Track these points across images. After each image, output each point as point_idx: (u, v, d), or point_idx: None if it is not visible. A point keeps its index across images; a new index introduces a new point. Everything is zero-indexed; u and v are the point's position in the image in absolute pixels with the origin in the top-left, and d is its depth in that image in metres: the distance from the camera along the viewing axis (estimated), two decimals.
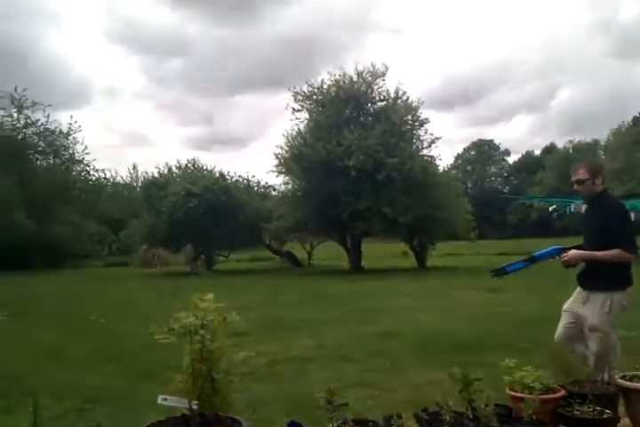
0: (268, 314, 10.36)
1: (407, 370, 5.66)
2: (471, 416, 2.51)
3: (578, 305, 3.82)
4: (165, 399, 2.11)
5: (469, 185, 64.14)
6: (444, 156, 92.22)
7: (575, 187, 3.89)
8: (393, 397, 4.67)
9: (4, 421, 2.25)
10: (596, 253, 3.65)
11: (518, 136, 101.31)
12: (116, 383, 5.64)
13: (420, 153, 23.27)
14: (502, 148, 71.77)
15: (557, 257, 3.91)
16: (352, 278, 18.90)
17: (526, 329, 7.46)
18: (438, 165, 25.85)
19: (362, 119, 23.27)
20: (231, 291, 14.69)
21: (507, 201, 53.70)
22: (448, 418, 2.47)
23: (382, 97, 23.49)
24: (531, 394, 2.61)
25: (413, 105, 23.21)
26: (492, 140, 72.10)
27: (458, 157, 70.83)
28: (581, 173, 3.83)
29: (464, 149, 71.69)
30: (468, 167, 70.57)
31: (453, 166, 66.49)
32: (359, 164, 20.36)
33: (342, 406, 2.46)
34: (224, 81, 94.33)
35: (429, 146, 23.62)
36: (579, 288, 3.89)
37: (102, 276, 24.15)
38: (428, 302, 11.23)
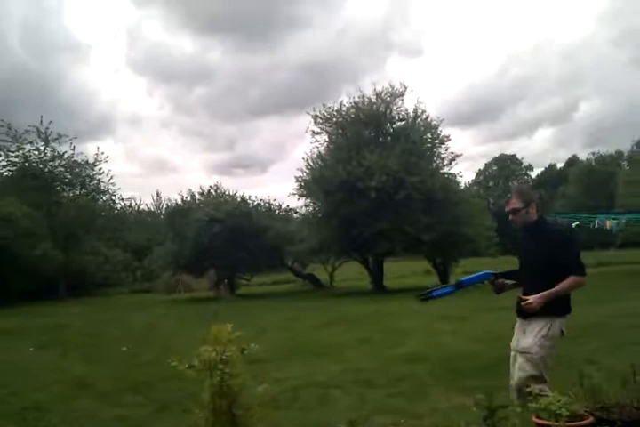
0: (290, 338, 10.31)
1: (432, 395, 5.56)
2: None
3: (520, 337, 3.67)
4: None
5: (492, 201, 63.54)
6: (466, 172, 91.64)
7: (510, 217, 3.80)
8: (418, 424, 4.58)
9: None
10: (556, 290, 3.51)
11: (540, 150, 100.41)
12: (136, 414, 5.65)
13: (441, 171, 23.28)
14: (525, 162, 71.19)
15: (487, 282, 3.84)
16: (375, 299, 18.74)
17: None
18: (459, 182, 25.78)
19: (381, 139, 23.41)
20: (254, 315, 14.69)
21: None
22: None
23: (401, 116, 23.63)
24: (557, 422, 2.54)
25: (433, 123, 23.30)
26: (514, 155, 71.55)
27: (479, 172, 70.41)
28: (514, 203, 3.75)
29: (486, 165, 71.25)
30: (491, 183, 70.02)
31: (475, 182, 66.04)
32: (380, 184, 20.38)
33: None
34: (245, 106, 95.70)
35: (450, 163, 23.65)
36: (518, 321, 3.74)
37: (127, 303, 24.31)
38: (453, 323, 11.05)
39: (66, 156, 31.73)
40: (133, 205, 46.22)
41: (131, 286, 35.24)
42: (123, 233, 37.01)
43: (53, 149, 31.47)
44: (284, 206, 28.81)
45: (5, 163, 31.78)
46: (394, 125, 23.76)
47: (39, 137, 30.92)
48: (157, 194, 51.52)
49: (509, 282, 3.84)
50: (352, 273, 28.70)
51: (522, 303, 3.55)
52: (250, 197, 27.67)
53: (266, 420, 4.33)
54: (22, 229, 26.54)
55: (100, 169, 32.60)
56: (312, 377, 6.84)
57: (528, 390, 3.04)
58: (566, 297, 3.62)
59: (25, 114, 46.33)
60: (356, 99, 23.50)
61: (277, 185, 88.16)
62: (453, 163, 23.69)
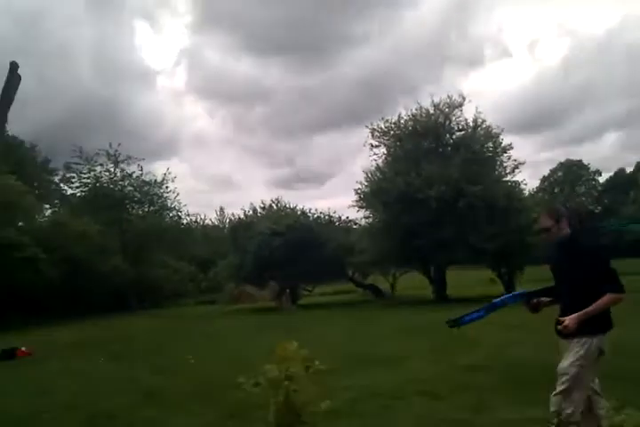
0: (353, 348, 10.29)
1: (498, 407, 5.41)
2: None
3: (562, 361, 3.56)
4: None
5: None
6: (530, 179, 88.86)
7: (543, 235, 3.74)
8: None
9: None
10: (592, 309, 3.38)
11: (608, 154, 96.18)
12: (202, 423, 5.78)
13: (504, 179, 22.84)
14: (592, 167, 68.51)
15: (519, 302, 3.70)
16: (437, 308, 18.42)
17: (630, 360, 6.97)
18: (523, 190, 25.14)
19: (441, 150, 23.27)
20: (316, 326, 14.76)
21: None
22: None
23: (461, 127, 23.48)
24: None
25: (493, 132, 22.98)
26: (580, 161, 69.07)
27: (544, 179, 68.31)
28: (544, 222, 3.69)
29: (551, 171, 69.05)
30: (556, 189, 67.78)
31: (539, 189, 64.05)
32: (440, 194, 20.19)
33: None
34: (304, 123, 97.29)
35: (512, 171, 23.17)
36: (560, 341, 3.61)
37: (194, 315, 24.97)
38: (520, 333, 10.73)
39: (135, 176, 33.30)
40: (199, 220, 47.73)
41: (196, 297, 36.22)
42: (189, 247, 38.22)
43: (123, 170, 33.13)
44: (343, 218, 29.01)
45: (78, 184, 33.63)
46: (453, 136, 23.59)
47: (109, 159, 32.62)
48: (221, 209, 53.14)
49: (545, 299, 3.73)
50: (414, 282, 28.38)
51: (558, 326, 3.46)
52: (310, 209, 28.16)
53: None
54: (95, 245, 27.87)
55: (167, 187, 33.94)
56: (374, 388, 6.80)
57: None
58: (605, 313, 3.48)
59: (96, 138, 49.01)
60: (414, 111, 23.67)
61: (337, 198, 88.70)
62: (516, 171, 23.21)
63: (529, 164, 74.82)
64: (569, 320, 3.40)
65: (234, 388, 6.67)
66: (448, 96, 23.26)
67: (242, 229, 27.39)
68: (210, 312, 25.33)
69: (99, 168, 32.94)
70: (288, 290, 27.61)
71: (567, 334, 3.44)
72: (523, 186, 24.77)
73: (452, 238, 20.20)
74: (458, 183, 20.44)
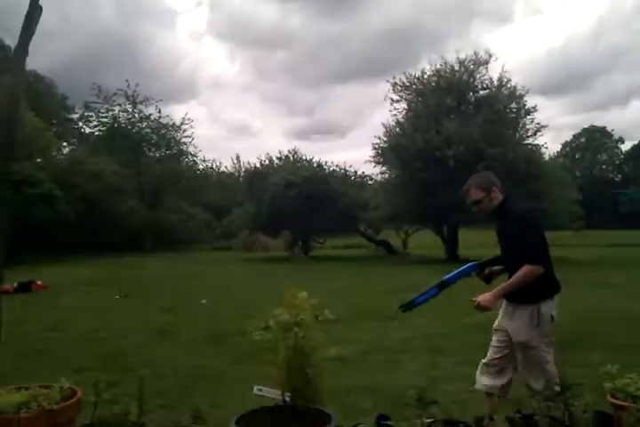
0: (361, 302, 10.45)
1: None
2: (567, 423, 2.44)
3: (508, 322, 3.45)
4: (260, 390, 2.23)
5: (578, 174, 60.49)
6: (551, 143, 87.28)
7: (474, 209, 3.56)
8: None
9: (112, 393, 2.49)
10: (509, 283, 3.26)
11: (633, 122, 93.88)
12: (214, 364, 5.95)
13: (525, 142, 22.41)
14: (616, 135, 67.10)
15: (473, 274, 3.57)
16: (448, 268, 18.50)
17: (635, 329, 7.03)
18: (544, 154, 24.67)
19: (463, 108, 22.72)
20: (327, 277, 14.96)
21: (614, 196, 49.22)
22: (543, 423, 2.41)
23: (485, 85, 22.80)
24: (634, 403, 2.48)
25: (518, 93, 22.29)
26: (604, 128, 67.55)
27: (566, 144, 67.14)
28: (474, 194, 3.51)
29: (573, 137, 67.77)
30: (577, 155, 66.71)
31: (560, 154, 63.05)
32: (459, 154, 19.93)
33: (432, 404, 2.46)
34: (325, 73, 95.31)
35: (534, 134, 22.65)
36: (504, 303, 3.50)
37: (207, 259, 25.39)
38: None
39: (152, 118, 33.05)
40: (214, 167, 47.69)
41: (211, 243, 36.71)
42: (204, 193, 38.37)
43: (140, 111, 32.88)
44: (359, 173, 28.86)
45: (96, 123, 33.55)
46: (476, 94, 22.96)
47: (127, 99, 32.31)
48: (237, 157, 52.74)
49: (497, 268, 3.60)
50: (426, 241, 28.46)
51: (475, 306, 3.34)
52: (326, 162, 27.94)
53: (336, 379, 4.49)
54: (111, 186, 28.08)
55: (184, 132, 33.76)
56: (381, 341, 6.94)
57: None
58: (549, 277, 3.35)
59: (114, 77, 48.46)
60: (438, 66, 22.94)
61: (354, 152, 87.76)
62: (538, 134, 22.69)
63: (551, 127, 73.36)
64: (482, 299, 3.30)
65: (245, 331, 6.87)
66: (474, 53, 22.57)
67: (257, 178, 27.41)
68: (223, 258, 25.74)
69: (117, 108, 32.81)
70: (300, 241, 27.91)
71: (514, 298, 3.35)
72: (543, 150, 24.34)
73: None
74: (477, 144, 20.12)
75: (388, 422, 2.45)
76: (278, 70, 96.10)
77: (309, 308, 2.19)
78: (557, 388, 2.77)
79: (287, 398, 2.13)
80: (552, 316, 3.34)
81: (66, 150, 35.80)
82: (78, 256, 24.31)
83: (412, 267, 19.78)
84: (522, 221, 3.37)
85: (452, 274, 3.53)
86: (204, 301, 10.89)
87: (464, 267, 3.58)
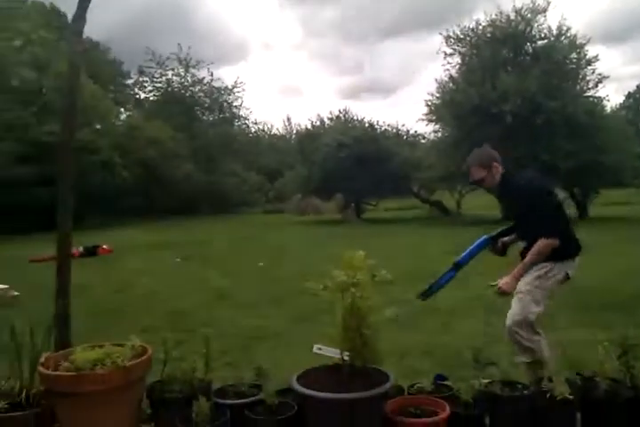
0: (414, 264, 10.43)
1: (561, 328, 5.42)
2: (629, 385, 2.40)
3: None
4: (320, 349, 2.30)
5: None
6: (613, 94, 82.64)
7: (479, 186, 3.47)
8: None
9: (178, 352, 2.63)
10: (524, 265, 3.24)
11: None
12: (272, 324, 6.14)
13: (585, 94, 21.34)
14: None
15: (488, 249, 3.48)
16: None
17: None
18: (605, 107, 23.46)
19: (519, 60, 21.74)
20: (381, 239, 14.98)
21: None
22: (604, 385, 2.39)
23: (543, 35, 21.66)
24: None
25: (578, 42, 21.11)
26: None
27: (629, 95, 63.48)
28: (475, 172, 3.37)
29: (637, 88, 63.95)
30: None
31: (623, 107, 59.78)
32: (516, 108, 19.22)
33: (490, 364, 2.47)
34: (375, 28, 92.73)
35: (596, 86, 21.52)
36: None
37: (261, 222, 25.83)
38: (586, 256, 10.52)
39: (205, 81, 33.16)
40: (266, 129, 47.83)
41: (264, 206, 37.25)
42: (256, 157, 38.70)
43: (193, 75, 33.03)
44: (411, 132, 28.31)
45: (151, 88, 33.98)
46: (534, 45, 21.87)
47: (180, 63, 32.47)
48: (288, 119, 52.81)
49: (507, 239, 3.53)
50: (480, 201, 27.92)
51: (495, 290, 3.34)
52: (377, 122, 27.45)
53: (391, 340, 4.56)
54: (168, 150, 28.66)
55: (236, 95, 33.80)
56: (436, 302, 6.91)
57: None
58: (568, 239, 3.24)
59: (165, 40, 48.59)
60: (493, 16, 21.92)
61: (406, 109, 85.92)
62: (600, 85, 21.53)
63: (612, 78, 69.30)
64: (503, 284, 3.30)
65: (301, 293, 7.03)
66: (531, 0, 21.41)
67: (308, 139, 27.34)
68: (276, 222, 26.10)
69: (170, 72, 33.09)
70: (352, 204, 27.89)
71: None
72: (605, 102, 23.13)
73: (524, 156, 19.45)
74: (535, 97, 19.31)
75: (446, 382, 2.49)
76: (327, 27, 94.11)
77: (366, 268, 2.21)
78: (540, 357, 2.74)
79: (346, 358, 2.18)
80: (567, 274, 3.29)
81: (123, 116, 36.67)
82: (138, 221, 25.19)
83: (467, 228, 19.52)
84: (526, 197, 3.28)
85: (464, 253, 3.51)
86: (260, 263, 11.14)
87: (476, 243, 3.54)
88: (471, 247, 3.52)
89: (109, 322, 6.28)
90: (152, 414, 2.52)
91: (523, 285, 3.29)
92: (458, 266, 3.51)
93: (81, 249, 12.83)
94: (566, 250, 3.26)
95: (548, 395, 2.27)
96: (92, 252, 13.30)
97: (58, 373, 2.24)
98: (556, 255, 3.21)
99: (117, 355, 2.30)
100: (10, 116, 21.99)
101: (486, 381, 2.39)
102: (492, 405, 2.30)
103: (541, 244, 3.15)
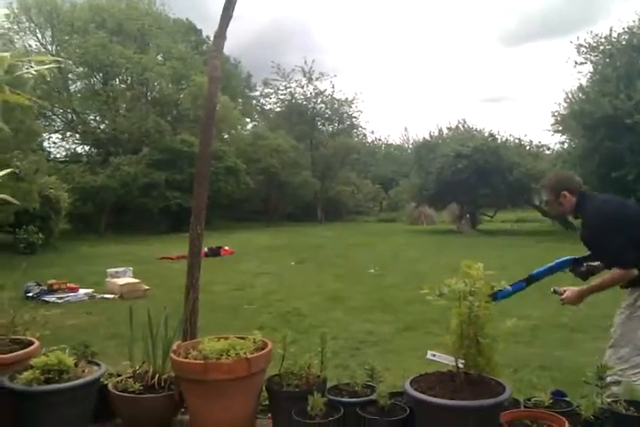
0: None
1: None
2: None
3: None
4: (434, 355, 2.32)
5: None
6: None
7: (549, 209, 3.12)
8: None
9: (294, 350, 2.74)
10: (595, 286, 3.08)
11: None
12: (383, 330, 6.21)
13: None
14: None
15: (566, 270, 3.23)
16: None
17: None
18: None
19: None
20: (497, 251, 14.46)
21: None
22: None
23: None
24: None
25: None
26: None
27: None
28: (545, 193, 3.31)
29: None
30: None
31: None
32: None
33: (614, 384, 2.36)
34: (499, 35, 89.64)
35: None
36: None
37: (374, 230, 25.90)
38: None
39: (327, 93, 33.99)
40: (382, 138, 48.01)
41: (377, 215, 37.31)
42: (373, 166, 38.96)
43: (316, 87, 33.95)
44: (535, 142, 27.07)
45: (275, 100, 35.39)
46: None
47: (304, 76, 33.55)
48: (405, 129, 52.66)
49: (596, 264, 3.22)
50: None
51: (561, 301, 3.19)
52: (498, 132, 26.55)
53: (507, 352, 4.43)
54: (289, 159, 29.70)
55: (356, 106, 34.33)
56: (555, 318, 6.63)
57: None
58: None
59: (288, 54, 50.21)
60: (630, 23, 20.39)
61: (529, 120, 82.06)
62: None
63: None
64: (570, 293, 3.19)
65: (411, 301, 7.03)
66: None
67: (426, 149, 27.06)
68: (389, 230, 26.07)
69: (293, 84, 34.24)
70: (468, 214, 27.17)
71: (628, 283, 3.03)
72: None
73: None
74: None
75: (566, 398, 2.40)
76: (447, 35, 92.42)
77: (484, 278, 2.21)
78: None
79: (460, 365, 2.19)
80: None
81: (249, 126, 38.45)
82: (258, 225, 26.28)
83: None
84: (593, 227, 3.12)
85: (542, 268, 3.35)
86: (372, 270, 11.22)
87: (557, 261, 3.35)
88: (551, 264, 3.37)
89: (229, 317, 6.66)
90: (269, 406, 2.64)
91: (615, 321, 3.16)
92: (530, 279, 3.36)
93: (206, 249, 13.59)
94: None
95: None
96: (215, 252, 14.08)
97: (188, 360, 2.43)
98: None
99: (241, 347, 2.46)
100: (148, 125, 23.89)
101: (610, 399, 2.28)
102: (616, 424, 2.19)
103: (615, 273, 2.98)
